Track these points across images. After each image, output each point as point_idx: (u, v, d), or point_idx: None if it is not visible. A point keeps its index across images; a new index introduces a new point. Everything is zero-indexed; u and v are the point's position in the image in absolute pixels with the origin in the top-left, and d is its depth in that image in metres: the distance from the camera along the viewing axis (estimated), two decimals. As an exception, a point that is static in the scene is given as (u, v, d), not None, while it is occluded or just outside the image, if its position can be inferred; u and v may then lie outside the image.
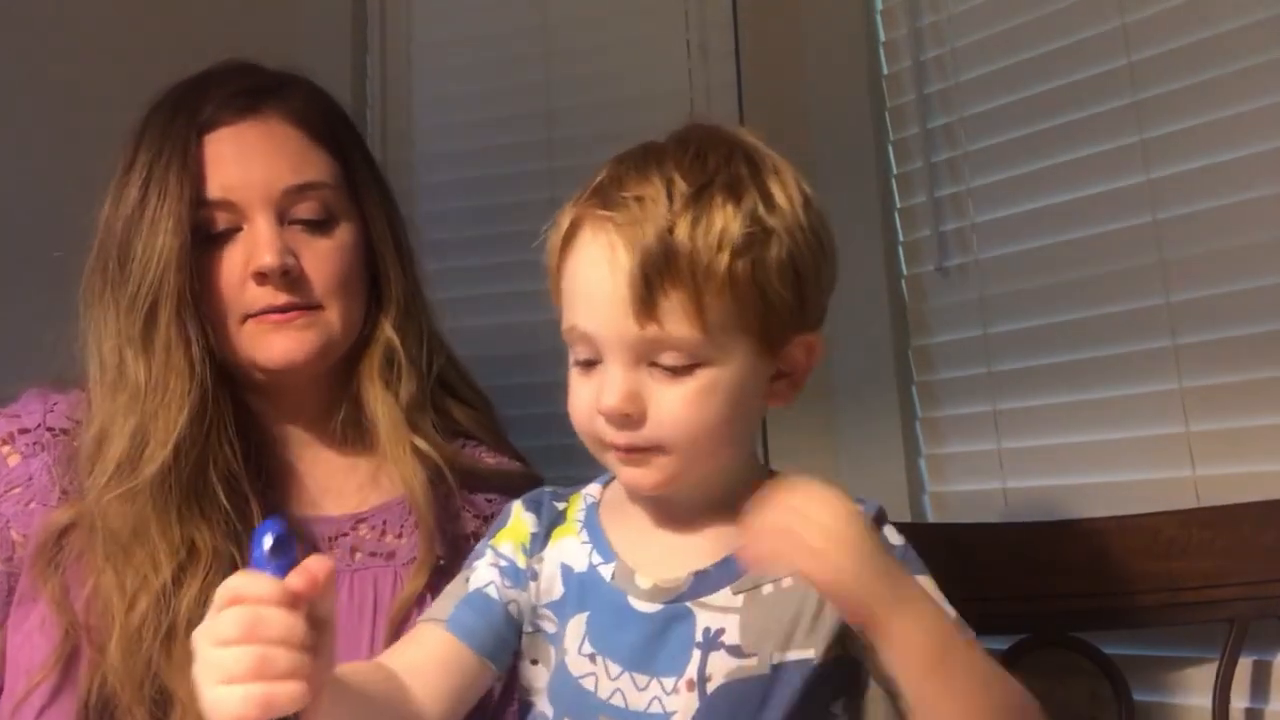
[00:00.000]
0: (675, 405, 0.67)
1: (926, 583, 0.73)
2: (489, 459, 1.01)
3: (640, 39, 1.56)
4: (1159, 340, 1.15)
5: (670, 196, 0.66)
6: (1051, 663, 1.07)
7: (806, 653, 0.69)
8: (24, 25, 1.50)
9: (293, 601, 0.55)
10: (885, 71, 1.42)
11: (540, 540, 0.77)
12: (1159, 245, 1.16)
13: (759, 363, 0.69)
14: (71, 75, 1.51)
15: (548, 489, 0.82)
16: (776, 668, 0.68)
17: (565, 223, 0.71)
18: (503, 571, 0.76)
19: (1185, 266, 1.14)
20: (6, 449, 0.90)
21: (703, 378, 0.67)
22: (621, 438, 0.68)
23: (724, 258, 0.65)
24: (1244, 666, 1.02)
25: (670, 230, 0.65)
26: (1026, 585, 1.05)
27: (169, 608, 0.80)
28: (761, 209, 0.67)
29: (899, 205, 1.39)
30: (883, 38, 1.43)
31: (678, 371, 0.67)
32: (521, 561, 0.77)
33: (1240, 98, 1.11)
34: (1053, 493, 1.20)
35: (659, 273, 0.64)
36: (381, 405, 0.93)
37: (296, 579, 0.56)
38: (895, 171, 1.40)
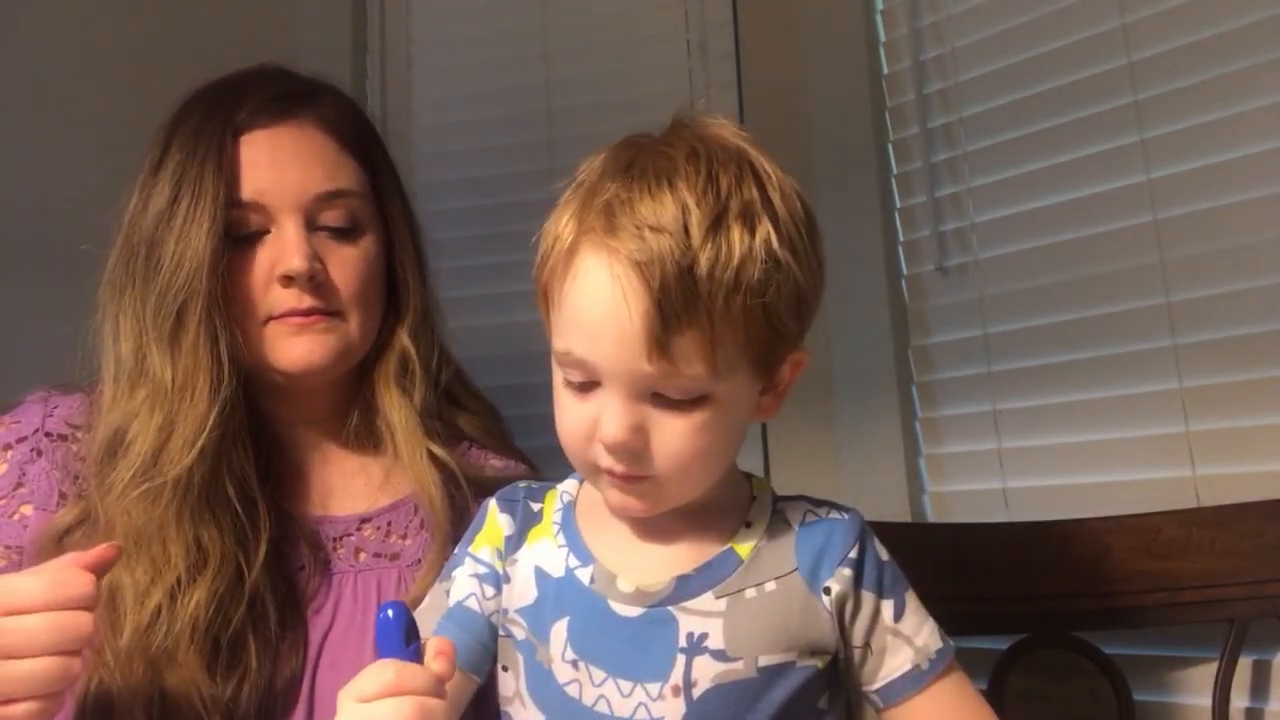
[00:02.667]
0: (679, 438, 0.66)
1: (910, 599, 0.73)
2: (496, 463, 1.02)
3: (640, 39, 1.56)
4: (1159, 340, 1.15)
5: (687, 228, 0.62)
6: (1051, 663, 1.07)
7: (791, 655, 0.69)
8: (29, 25, 1.50)
9: (441, 690, 0.60)
10: (885, 71, 1.42)
11: (515, 542, 0.77)
12: (1159, 245, 1.16)
13: (755, 385, 0.69)
14: (75, 74, 1.51)
15: (522, 485, 0.81)
16: (763, 670, 0.68)
17: (565, 240, 0.66)
18: (482, 579, 0.76)
19: (1185, 266, 1.14)
20: None
21: (706, 410, 0.66)
22: (620, 467, 0.67)
23: (740, 298, 0.63)
24: (1244, 666, 1.02)
25: (690, 269, 0.62)
26: (1026, 585, 1.05)
27: (178, 608, 0.80)
28: (775, 240, 0.64)
29: (899, 205, 1.39)
30: (883, 38, 1.43)
31: (682, 405, 0.65)
32: (499, 566, 0.76)
33: (1240, 98, 1.11)
34: (1053, 493, 1.20)
35: (676, 313, 0.62)
36: (398, 411, 0.94)
37: (442, 665, 0.60)
38: (895, 171, 1.40)
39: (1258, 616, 0.98)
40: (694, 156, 0.65)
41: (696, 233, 0.62)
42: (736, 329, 0.64)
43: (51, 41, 1.51)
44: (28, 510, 0.88)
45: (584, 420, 0.67)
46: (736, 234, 0.63)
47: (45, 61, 1.50)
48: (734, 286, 0.63)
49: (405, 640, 0.59)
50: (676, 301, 0.62)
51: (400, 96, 1.65)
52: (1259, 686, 1.03)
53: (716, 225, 0.63)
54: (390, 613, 0.59)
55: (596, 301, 0.64)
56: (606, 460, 0.67)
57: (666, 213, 0.63)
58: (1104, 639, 1.04)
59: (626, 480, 0.67)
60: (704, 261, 0.62)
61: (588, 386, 0.67)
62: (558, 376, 0.69)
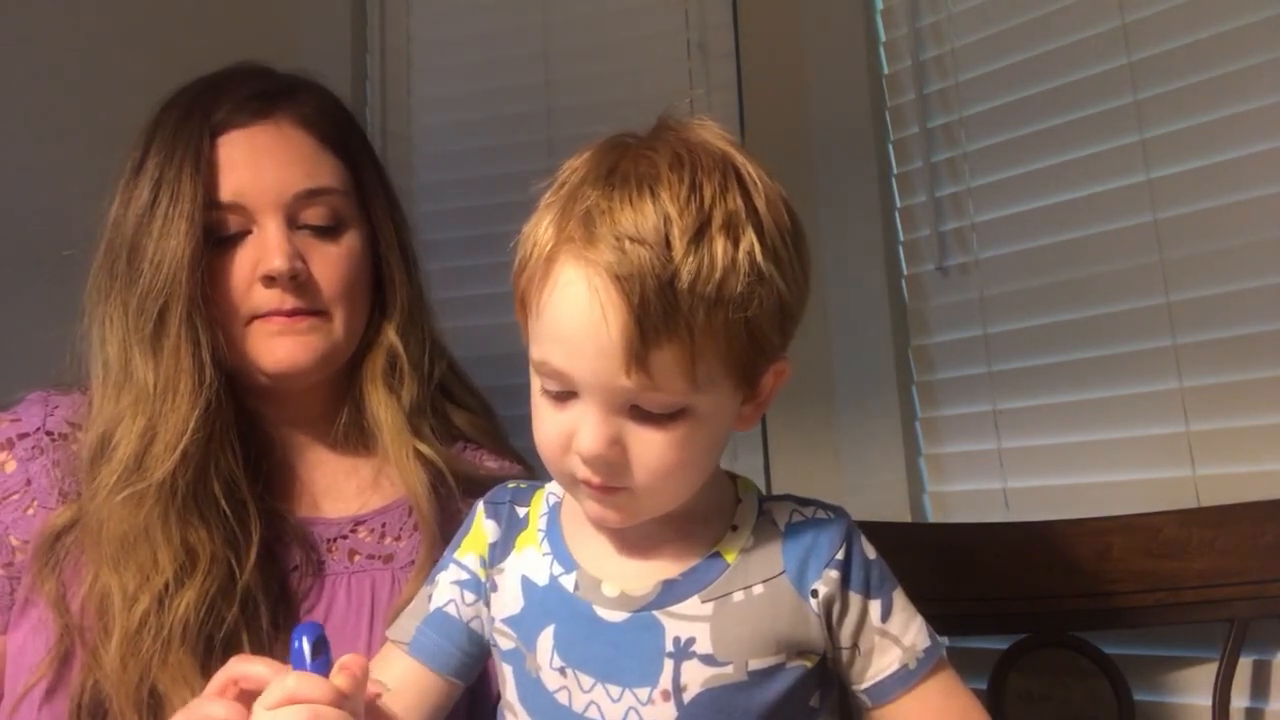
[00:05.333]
0: (657, 452, 0.65)
1: (898, 597, 0.72)
2: (490, 462, 1.01)
3: (640, 39, 1.56)
4: (1159, 340, 1.15)
5: (668, 240, 0.60)
6: (1051, 663, 1.07)
7: (780, 657, 0.68)
8: (24, 23, 1.50)
9: (340, 700, 0.61)
10: (885, 71, 1.42)
11: (501, 550, 0.76)
12: (1159, 245, 1.16)
13: (735, 397, 0.68)
14: (72, 74, 1.51)
15: (510, 486, 0.80)
16: (753, 673, 0.67)
17: (544, 248, 0.65)
18: (464, 586, 0.76)
19: (1185, 266, 1.14)
20: (4, 456, 0.90)
21: (685, 424, 0.64)
22: (597, 479, 0.66)
23: (722, 312, 0.61)
24: (1244, 666, 1.02)
25: (670, 282, 0.60)
26: (1026, 585, 1.05)
27: (168, 611, 0.80)
28: (759, 251, 0.63)
29: (899, 205, 1.39)
30: (883, 38, 1.43)
31: (660, 419, 0.64)
32: (482, 574, 0.76)
33: (1240, 98, 1.11)
34: (1053, 493, 1.20)
35: (655, 328, 0.60)
36: (384, 409, 0.93)
37: (343, 679, 0.62)
38: (895, 171, 1.40)
39: (1258, 616, 0.97)
40: (678, 163, 0.64)
41: (678, 245, 0.61)
42: (717, 343, 0.62)
43: (46, 42, 1.51)
44: (34, 509, 0.88)
45: (561, 430, 0.66)
46: (719, 246, 0.61)
47: (39, 62, 1.50)
48: (716, 300, 0.61)
49: (313, 656, 0.63)
50: (656, 316, 0.60)
51: (400, 96, 1.65)
52: (1259, 686, 1.03)
53: (699, 237, 0.61)
54: (304, 637, 0.64)
55: (574, 314, 0.62)
56: (583, 471, 0.66)
57: (647, 223, 0.61)
58: (1104, 639, 1.04)
59: (603, 491, 0.66)
60: (685, 275, 0.60)
61: (565, 396, 0.66)
62: (535, 384, 0.68)
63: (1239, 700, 1.02)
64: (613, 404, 0.64)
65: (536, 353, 0.66)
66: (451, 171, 1.61)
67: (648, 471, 0.65)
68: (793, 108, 1.44)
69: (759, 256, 0.63)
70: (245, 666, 0.67)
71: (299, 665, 0.63)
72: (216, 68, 0.95)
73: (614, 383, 0.62)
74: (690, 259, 0.61)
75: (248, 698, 0.66)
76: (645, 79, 1.53)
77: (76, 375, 0.91)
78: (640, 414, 0.64)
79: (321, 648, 0.63)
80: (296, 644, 0.63)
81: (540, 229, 0.66)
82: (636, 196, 0.62)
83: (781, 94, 1.46)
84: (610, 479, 0.66)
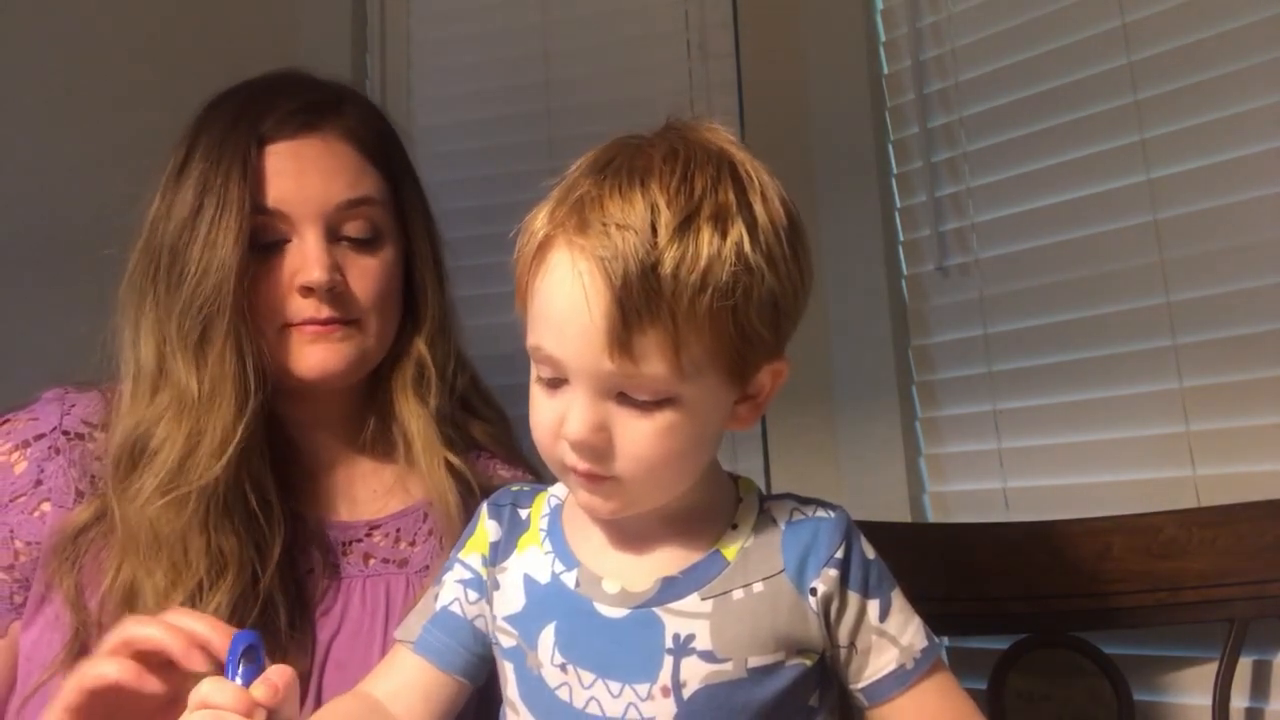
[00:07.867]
0: (642, 440, 0.65)
1: (896, 597, 0.72)
2: (503, 471, 1.02)
3: (640, 39, 1.56)
4: (1159, 340, 1.15)
5: (654, 227, 0.62)
6: (1051, 663, 1.08)
7: (780, 655, 0.68)
8: (34, 25, 1.50)
9: (251, 709, 0.64)
10: (885, 71, 1.42)
11: (502, 549, 0.77)
12: (1159, 245, 1.16)
13: (727, 393, 0.68)
14: (71, 75, 1.51)
15: (513, 489, 0.81)
16: (753, 671, 0.68)
17: (538, 235, 0.67)
18: (467, 585, 0.77)
19: (1185, 266, 1.14)
20: (16, 456, 0.90)
21: (671, 413, 0.65)
22: (584, 465, 0.66)
23: (706, 299, 0.62)
24: (1244, 666, 1.02)
25: (653, 268, 0.61)
26: (1026, 585, 1.05)
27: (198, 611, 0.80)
28: (747, 243, 0.63)
29: (899, 205, 1.40)
30: (883, 38, 1.43)
31: (646, 406, 0.65)
32: (484, 573, 0.77)
33: (1240, 98, 1.11)
34: (1053, 493, 1.21)
35: (637, 311, 0.61)
36: (415, 420, 0.94)
37: (260, 689, 0.65)
38: (895, 171, 1.41)
39: (1258, 616, 0.98)
40: (672, 156, 0.65)
41: (664, 232, 0.62)
42: (702, 331, 0.63)
43: (53, 40, 1.52)
44: (46, 507, 0.88)
45: (553, 417, 0.67)
46: (706, 235, 0.62)
47: (48, 60, 1.50)
48: (700, 288, 0.62)
49: (245, 664, 0.65)
50: (638, 299, 0.61)
51: (400, 96, 1.65)
52: (1259, 686, 1.03)
53: (685, 226, 0.62)
54: (239, 645, 0.66)
55: (560, 296, 0.64)
56: (571, 458, 0.67)
57: (635, 211, 0.62)
58: (1104, 639, 1.04)
59: (591, 479, 0.67)
60: (669, 261, 0.61)
61: (557, 383, 0.67)
62: (532, 372, 0.69)
63: (1239, 700, 1.02)
64: (599, 389, 0.65)
65: (530, 338, 0.67)
66: (451, 171, 1.61)
67: (633, 460, 0.66)
68: (793, 108, 1.44)
69: (747, 248, 0.63)
70: (137, 629, 0.69)
71: (229, 673, 0.65)
72: (220, 67, 0.95)
73: (598, 367, 0.63)
74: (675, 246, 0.62)
75: (143, 658, 0.68)
76: (645, 79, 1.53)
77: (106, 370, 0.90)
78: (627, 401, 0.65)
79: (253, 656, 0.65)
80: (232, 651, 0.66)
81: (537, 219, 0.68)
82: (627, 186, 0.64)
83: (781, 94, 1.46)
84: (596, 466, 0.66)
